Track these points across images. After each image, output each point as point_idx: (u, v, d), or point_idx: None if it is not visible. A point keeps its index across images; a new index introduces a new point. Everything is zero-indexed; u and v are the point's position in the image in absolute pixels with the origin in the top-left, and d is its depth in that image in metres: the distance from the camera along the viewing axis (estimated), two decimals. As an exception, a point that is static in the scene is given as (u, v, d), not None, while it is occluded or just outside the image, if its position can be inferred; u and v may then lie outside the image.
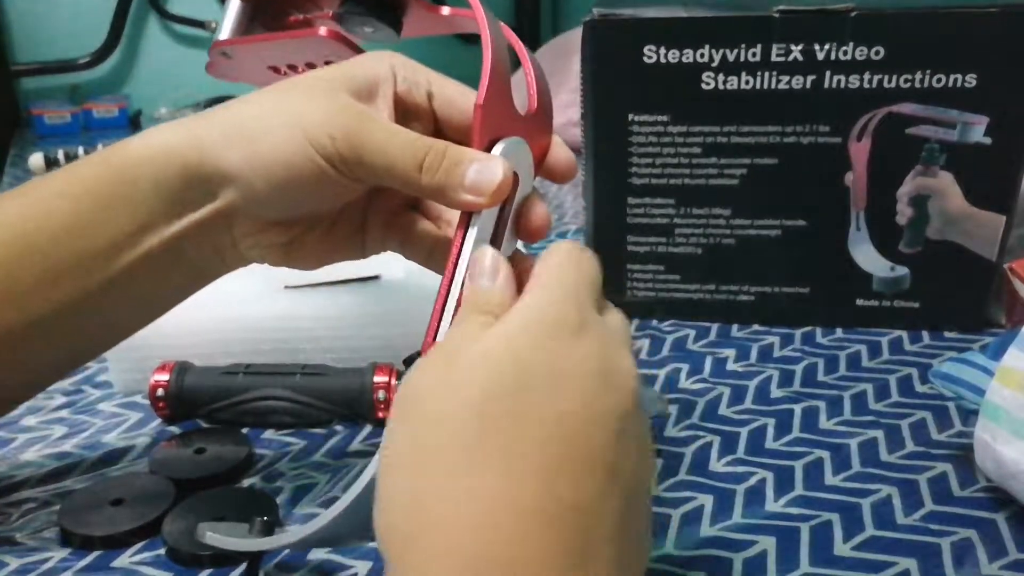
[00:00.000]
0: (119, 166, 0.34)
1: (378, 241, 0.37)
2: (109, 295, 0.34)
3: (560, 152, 0.34)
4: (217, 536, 0.35)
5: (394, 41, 0.38)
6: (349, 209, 0.36)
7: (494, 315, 0.28)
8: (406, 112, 0.35)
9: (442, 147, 0.32)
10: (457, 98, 0.34)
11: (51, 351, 0.35)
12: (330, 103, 0.32)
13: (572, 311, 0.27)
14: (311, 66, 0.42)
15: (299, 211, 0.34)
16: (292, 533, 0.34)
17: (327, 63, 0.40)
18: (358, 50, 0.40)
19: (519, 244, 0.34)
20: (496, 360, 0.26)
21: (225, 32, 0.41)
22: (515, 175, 0.32)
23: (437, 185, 0.31)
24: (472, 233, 0.31)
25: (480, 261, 0.30)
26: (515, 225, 0.33)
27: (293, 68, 0.43)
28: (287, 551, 0.39)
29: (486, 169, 0.30)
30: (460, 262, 0.30)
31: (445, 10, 0.40)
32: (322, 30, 0.38)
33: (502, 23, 0.35)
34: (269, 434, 0.49)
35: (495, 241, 0.32)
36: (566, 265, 0.29)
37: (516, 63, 0.34)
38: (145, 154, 0.33)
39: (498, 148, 0.31)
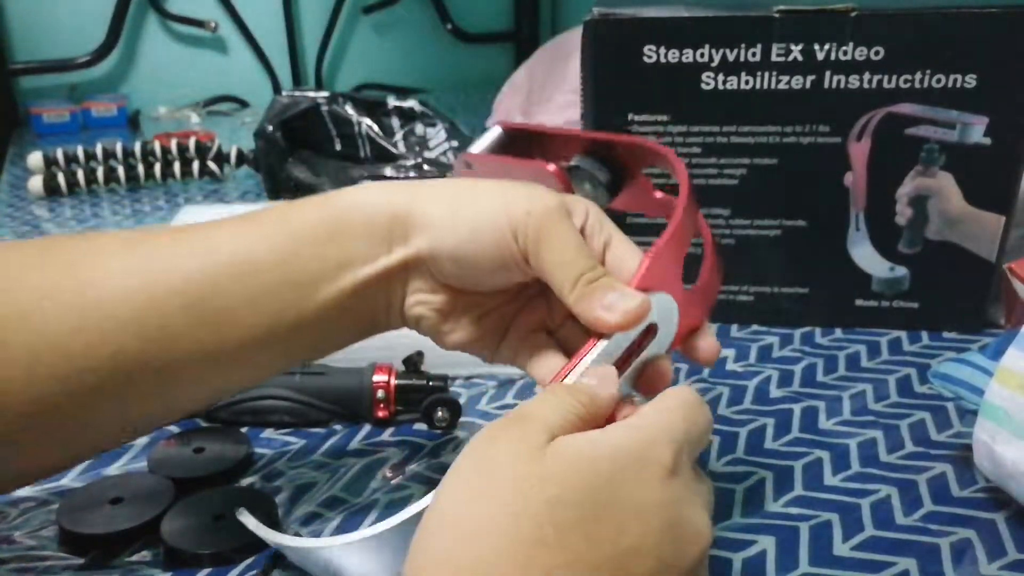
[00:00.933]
0: (336, 209, 0.36)
1: (509, 352, 0.38)
2: (297, 329, 0.35)
3: (708, 338, 0.36)
4: (252, 521, 0.37)
5: (602, 204, 0.41)
6: (504, 308, 0.38)
7: (590, 413, 0.30)
8: None
9: (604, 271, 0.34)
10: (627, 258, 0.36)
11: (225, 376, 0.36)
12: (543, 195, 0.35)
13: (667, 455, 0.28)
14: None
15: (473, 277, 0.36)
16: (324, 539, 0.34)
17: None
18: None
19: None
20: (576, 471, 0.26)
21: (476, 148, 0.46)
22: (653, 325, 0.34)
23: (579, 295, 0.33)
24: (594, 350, 0.32)
25: (599, 369, 0.32)
26: (637, 378, 0.34)
27: None
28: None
29: (626, 296, 0.33)
30: (574, 370, 0.32)
31: (658, 194, 0.43)
32: (550, 167, 0.42)
33: (705, 222, 0.40)
34: (268, 433, 0.49)
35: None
36: (678, 411, 0.30)
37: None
38: (361, 200, 0.36)
39: (651, 295, 0.33)
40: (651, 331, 0.34)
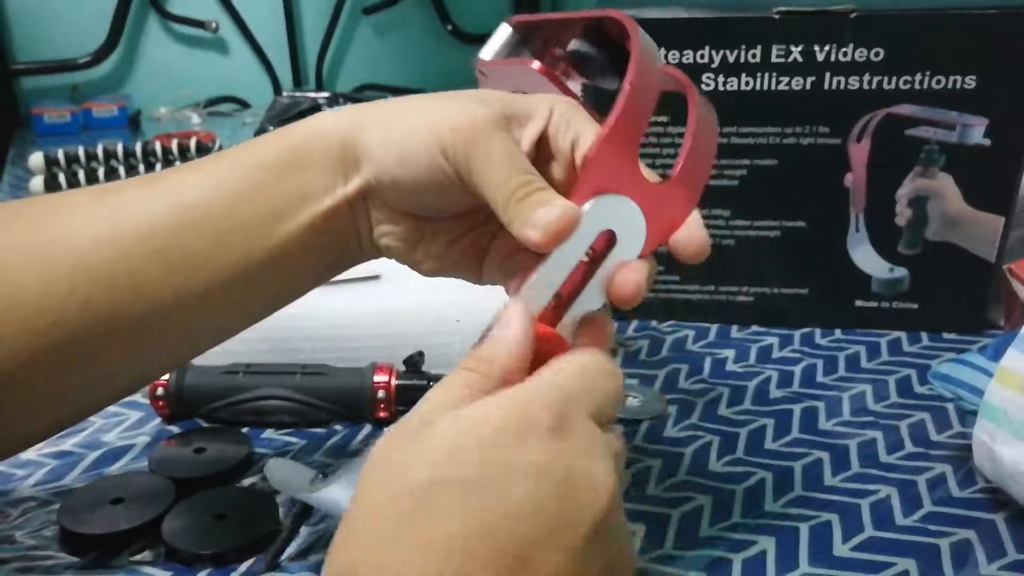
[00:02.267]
0: (293, 142, 0.35)
1: (494, 271, 0.37)
2: (268, 266, 0.35)
3: (693, 231, 0.33)
4: (277, 476, 0.38)
5: (612, 87, 0.38)
6: (478, 230, 0.37)
7: (480, 372, 0.28)
8: (547, 153, 0.35)
9: (538, 185, 0.31)
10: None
11: (207, 322, 0.36)
12: (471, 110, 0.33)
13: (546, 414, 0.27)
14: None
15: (419, 203, 0.35)
16: (324, 485, 0.35)
17: None
18: (565, 88, 0.40)
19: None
20: (441, 448, 0.26)
21: (486, 53, 0.43)
22: (608, 233, 0.31)
23: (511, 215, 0.31)
24: (535, 275, 0.30)
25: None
26: (607, 286, 0.32)
27: None
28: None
29: (551, 210, 0.30)
30: (517, 297, 0.30)
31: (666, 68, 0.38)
32: (535, 64, 0.39)
33: (676, 72, 0.35)
34: (269, 433, 0.49)
35: (570, 292, 0.31)
36: (574, 371, 0.29)
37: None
38: (316, 129, 0.35)
39: (589, 202, 0.31)
40: (608, 240, 0.31)
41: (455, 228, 0.36)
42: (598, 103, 0.39)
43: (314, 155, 0.34)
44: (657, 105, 0.33)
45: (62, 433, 0.48)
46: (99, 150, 0.93)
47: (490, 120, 0.32)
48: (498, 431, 0.26)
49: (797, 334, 0.59)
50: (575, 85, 0.41)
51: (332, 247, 0.36)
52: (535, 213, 0.30)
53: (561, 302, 0.31)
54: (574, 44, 0.39)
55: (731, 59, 0.54)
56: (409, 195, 0.34)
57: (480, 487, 0.25)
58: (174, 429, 0.49)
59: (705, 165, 0.35)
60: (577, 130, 0.34)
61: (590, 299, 0.32)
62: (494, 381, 0.28)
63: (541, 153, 0.35)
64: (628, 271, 0.32)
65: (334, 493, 0.35)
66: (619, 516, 0.28)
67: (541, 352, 0.30)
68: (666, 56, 0.54)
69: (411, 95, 0.36)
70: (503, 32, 0.43)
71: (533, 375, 0.29)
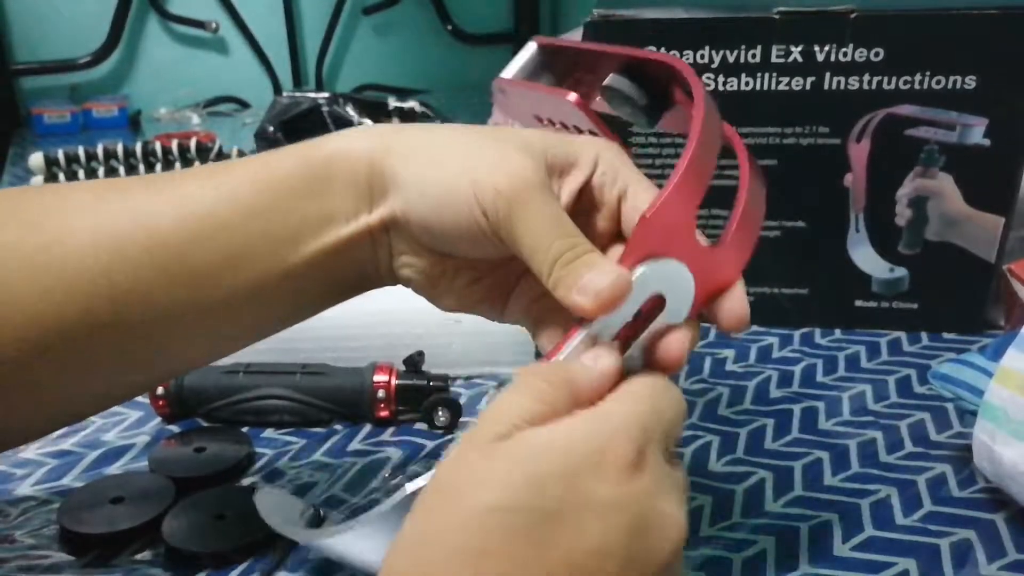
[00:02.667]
0: (316, 160, 0.33)
1: (517, 314, 0.36)
2: (279, 288, 0.33)
3: (735, 301, 0.32)
4: (267, 508, 0.36)
5: (646, 128, 0.37)
6: (503, 271, 0.35)
7: (558, 390, 0.27)
8: (591, 204, 0.34)
9: (585, 248, 0.30)
10: (644, 208, 0.31)
11: (209, 338, 0.35)
12: (515, 163, 0.31)
13: (629, 448, 0.26)
14: (565, 127, 0.41)
15: (448, 248, 0.33)
16: (329, 531, 0.33)
17: (575, 128, 0.39)
18: (601, 125, 0.38)
19: None
20: (522, 472, 0.25)
21: (508, 71, 0.42)
22: (657, 297, 0.30)
23: (556, 280, 0.30)
24: (575, 338, 0.29)
25: (600, 347, 0.29)
26: (648, 354, 0.31)
27: (552, 123, 0.42)
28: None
29: (600, 275, 0.29)
30: (555, 359, 0.29)
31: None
32: (571, 96, 0.38)
33: (731, 130, 0.33)
34: (269, 433, 0.49)
35: None
36: (644, 400, 0.28)
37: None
38: (342, 151, 0.33)
39: (640, 266, 0.30)
40: (657, 303, 0.30)
41: (480, 267, 0.35)
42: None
43: (340, 178, 0.33)
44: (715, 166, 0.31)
45: (62, 432, 0.48)
46: (99, 150, 0.93)
47: (535, 179, 0.31)
48: (582, 461, 0.25)
49: (797, 334, 0.59)
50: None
51: (349, 273, 0.34)
52: (583, 278, 0.29)
53: None
54: (612, 79, 0.37)
55: (731, 59, 0.54)
56: (438, 240, 0.33)
57: (559, 520, 0.24)
58: (174, 428, 0.49)
59: (755, 229, 0.34)
60: (625, 182, 0.32)
61: (632, 360, 0.30)
62: (570, 404, 0.27)
63: (582, 202, 0.33)
64: (674, 339, 0.31)
65: (349, 543, 0.33)
66: (681, 554, 0.27)
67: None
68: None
69: (446, 125, 0.34)
70: (528, 51, 0.42)
71: (608, 398, 0.28)
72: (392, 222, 0.33)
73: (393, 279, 0.35)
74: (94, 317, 0.31)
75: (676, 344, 0.30)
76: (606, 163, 0.33)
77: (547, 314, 0.34)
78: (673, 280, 0.30)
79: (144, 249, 0.32)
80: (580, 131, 0.39)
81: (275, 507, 0.37)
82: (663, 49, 0.54)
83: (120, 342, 0.32)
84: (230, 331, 0.35)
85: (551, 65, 0.42)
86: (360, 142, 0.33)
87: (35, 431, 0.36)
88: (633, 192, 0.32)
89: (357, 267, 0.34)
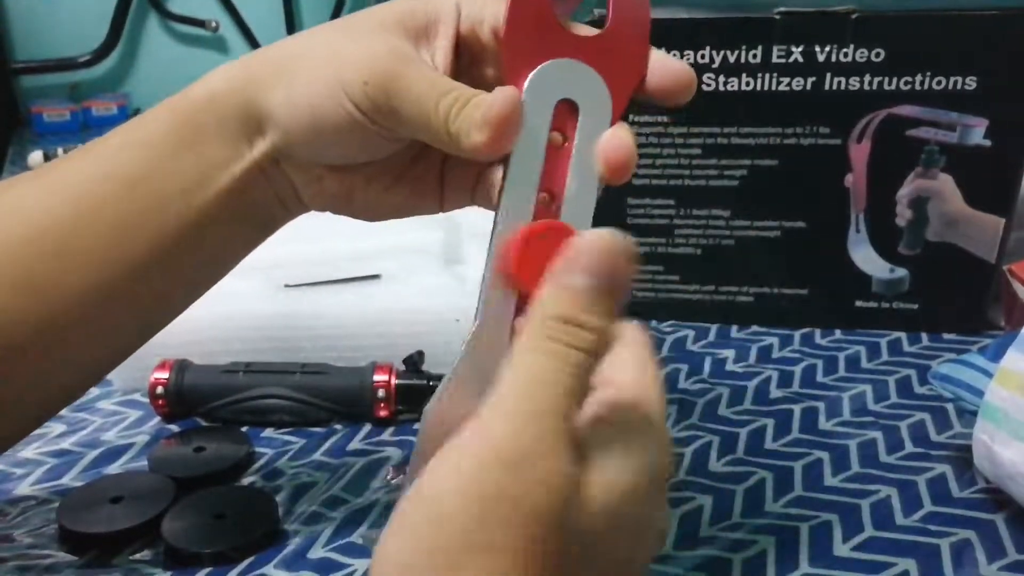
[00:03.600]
0: (184, 111, 0.32)
1: (460, 196, 0.34)
2: (180, 248, 0.32)
3: (667, 64, 0.30)
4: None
5: None
6: (422, 162, 0.34)
7: (585, 351, 0.24)
8: (472, 55, 0.32)
9: (469, 94, 0.28)
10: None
11: (127, 317, 0.34)
12: (374, 44, 0.29)
13: (655, 487, 0.26)
14: None
15: (340, 159, 0.32)
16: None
17: None
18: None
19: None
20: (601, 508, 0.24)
21: None
22: (565, 103, 0.28)
23: (453, 134, 0.28)
24: (507, 180, 0.27)
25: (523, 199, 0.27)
26: (595, 164, 0.28)
27: None
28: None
29: (487, 104, 0.27)
30: (496, 223, 0.27)
31: None
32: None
33: None
34: (269, 433, 0.49)
35: (556, 184, 0.28)
36: (660, 438, 0.27)
37: None
38: (207, 96, 0.32)
39: (528, 77, 0.27)
40: (569, 110, 0.28)
41: (391, 167, 0.33)
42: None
43: (209, 127, 0.31)
44: None
45: (61, 432, 0.48)
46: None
47: (398, 55, 0.29)
48: (637, 489, 0.25)
49: (797, 334, 0.59)
50: None
51: (252, 215, 0.33)
52: (473, 115, 0.27)
53: (553, 197, 0.28)
54: None
55: (731, 59, 0.54)
56: (327, 154, 0.32)
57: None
58: (174, 428, 0.49)
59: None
60: (494, 13, 0.30)
61: (583, 184, 0.28)
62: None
63: (465, 56, 0.32)
64: (610, 137, 0.28)
65: None
66: None
67: (549, 245, 0.26)
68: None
69: (304, 32, 0.33)
70: None
71: (638, 416, 0.27)
72: (277, 153, 0.32)
73: (304, 208, 0.34)
74: (21, 322, 0.31)
75: (616, 140, 0.28)
76: (469, 4, 0.31)
77: (491, 181, 0.31)
78: (573, 79, 0.28)
79: (28, 240, 0.31)
80: None
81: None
82: (663, 49, 0.54)
83: (33, 340, 0.31)
84: (144, 307, 0.34)
85: None
86: (224, 80, 0.32)
87: None
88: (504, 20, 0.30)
89: (259, 207, 0.33)
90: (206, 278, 0.36)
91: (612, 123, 0.29)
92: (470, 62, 0.32)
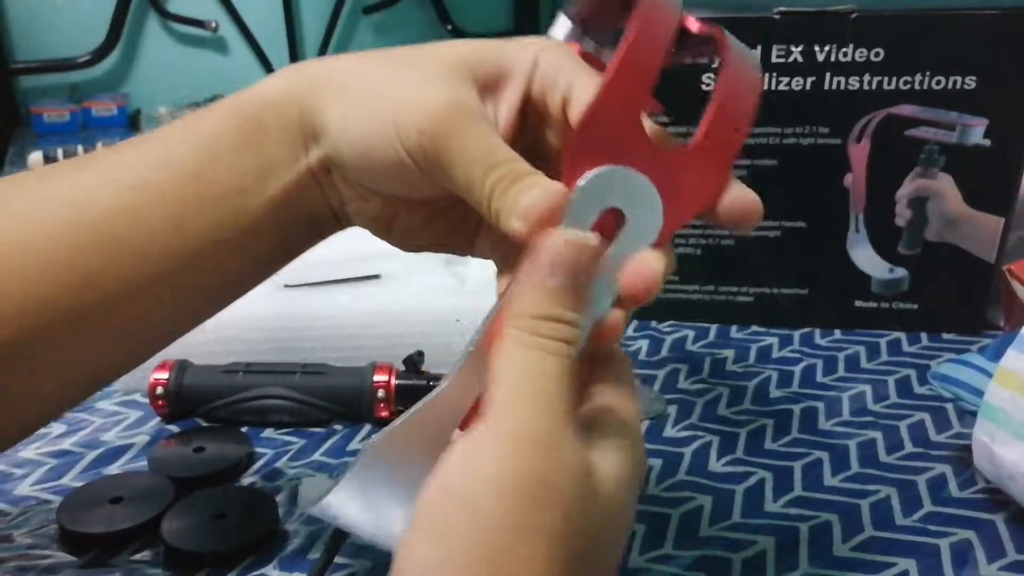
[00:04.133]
0: (245, 111, 0.32)
1: (486, 250, 0.34)
2: (233, 245, 0.32)
3: (742, 196, 0.28)
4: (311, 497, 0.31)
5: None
6: (456, 210, 0.33)
7: (566, 342, 0.25)
8: (539, 116, 0.30)
9: (522, 172, 0.27)
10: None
11: (175, 307, 0.33)
12: (438, 89, 0.28)
13: (639, 480, 0.27)
14: None
15: (388, 188, 0.31)
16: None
17: None
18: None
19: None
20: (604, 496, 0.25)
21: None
22: (614, 213, 0.26)
23: (496, 209, 0.27)
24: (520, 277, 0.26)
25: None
26: (613, 278, 0.27)
27: None
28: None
29: (531, 192, 0.26)
30: (501, 299, 0.27)
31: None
32: (575, 48, 0.33)
33: (717, 29, 0.28)
34: (269, 433, 0.49)
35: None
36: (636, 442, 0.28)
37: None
38: (269, 98, 0.32)
39: (584, 177, 0.26)
40: (614, 222, 0.26)
41: (434, 204, 0.33)
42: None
43: (271, 128, 0.31)
44: (671, 56, 0.27)
45: (61, 432, 0.48)
46: (98, 149, 0.93)
47: (460, 108, 0.28)
48: (629, 480, 0.26)
49: (797, 334, 0.59)
50: None
51: (302, 221, 0.33)
52: (517, 200, 0.26)
53: None
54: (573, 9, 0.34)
55: (731, 59, 0.54)
56: (374, 182, 0.31)
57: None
58: (173, 428, 0.49)
59: (739, 123, 0.28)
60: (569, 82, 0.29)
61: (598, 298, 0.27)
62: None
63: (530, 117, 0.30)
64: (639, 263, 0.27)
65: (339, 507, 0.29)
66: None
67: None
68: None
69: (374, 51, 0.32)
70: (562, 25, 0.39)
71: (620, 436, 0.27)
72: (329, 163, 0.31)
73: (349, 222, 0.34)
74: (32, 306, 0.30)
75: (643, 269, 0.27)
76: (546, 64, 0.29)
77: (512, 252, 0.30)
78: (629, 191, 0.26)
79: (72, 227, 0.30)
80: None
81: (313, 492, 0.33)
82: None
83: (66, 329, 0.31)
84: (183, 303, 0.33)
85: (590, 31, 0.38)
86: (286, 87, 0.32)
87: (14, 435, 0.34)
88: (579, 94, 0.28)
89: (309, 214, 0.33)
90: (253, 276, 0.35)
91: (659, 243, 0.27)
92: (536, 122, 0.31)
